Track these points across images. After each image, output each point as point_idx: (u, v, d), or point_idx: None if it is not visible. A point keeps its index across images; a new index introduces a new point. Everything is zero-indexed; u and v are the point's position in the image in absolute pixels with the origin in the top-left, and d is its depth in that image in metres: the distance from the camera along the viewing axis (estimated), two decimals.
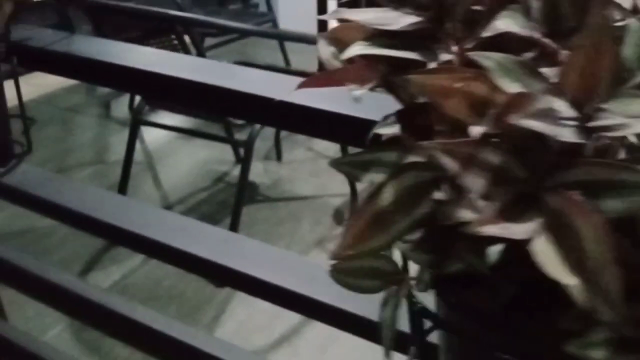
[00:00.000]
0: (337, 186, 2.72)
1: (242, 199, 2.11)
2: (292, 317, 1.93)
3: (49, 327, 1.87)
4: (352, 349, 1.81)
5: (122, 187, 2.33)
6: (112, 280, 2.09)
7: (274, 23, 3.34)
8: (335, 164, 0.34)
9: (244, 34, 2.10)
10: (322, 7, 2.68)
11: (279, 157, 2.91)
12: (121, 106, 3.43)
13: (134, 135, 2.25)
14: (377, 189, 0.30)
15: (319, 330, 1.87)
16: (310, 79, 0.37)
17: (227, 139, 2.24)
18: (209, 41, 3.00)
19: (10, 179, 0.80)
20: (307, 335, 1.87)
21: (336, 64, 0.37)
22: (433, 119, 0.30)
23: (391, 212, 0.29)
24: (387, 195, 0.29)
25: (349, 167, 0.34)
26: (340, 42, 0.37)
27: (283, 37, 1.98)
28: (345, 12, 0.35)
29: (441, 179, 0.29)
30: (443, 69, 0.31)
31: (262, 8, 3.96)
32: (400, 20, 0.34)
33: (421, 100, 0.31)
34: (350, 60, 0.36)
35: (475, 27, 0.34)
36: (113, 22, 2.19)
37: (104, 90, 3.54)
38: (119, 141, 3.13)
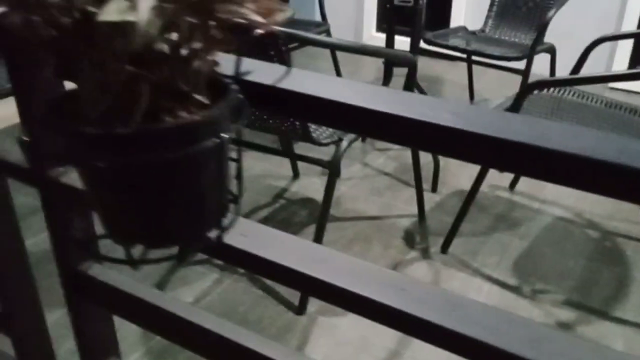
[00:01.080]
0: (401, 205, 2.62)
1: (326, 217, 2.02)
2: (379, 350, 1.83)
3: (125, 355, 1.77)
4: None
5: None
6: None
7: (328, 33, 3.25)
8: None
9: (344, 50, 2.00)
10: (391, 27, 2.60)
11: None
12: None
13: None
14: None
15: None
16: None
17: (309, 158, 2.14)
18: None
19: (235, 237, 0.68)
20: None
21: None
22: None
23: None
24: None
25: None
26: None
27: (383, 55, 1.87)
28: None
29: None
30: None
31: (299, 15, 3.87)
32: None
33: None
34: None
35: None
36: None
37: None
38: None
